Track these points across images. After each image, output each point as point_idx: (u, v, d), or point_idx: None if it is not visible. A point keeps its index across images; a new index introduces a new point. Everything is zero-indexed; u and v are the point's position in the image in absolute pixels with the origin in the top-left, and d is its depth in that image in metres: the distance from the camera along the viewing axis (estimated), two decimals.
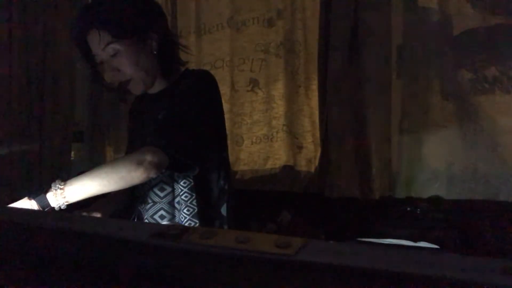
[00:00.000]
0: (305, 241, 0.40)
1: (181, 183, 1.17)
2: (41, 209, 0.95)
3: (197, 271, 0.39)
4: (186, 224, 1.16)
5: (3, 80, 1.87)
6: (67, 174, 2.07)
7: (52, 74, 2.04)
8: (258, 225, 2.04)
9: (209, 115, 1.22)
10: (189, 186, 1.17)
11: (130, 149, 1.32)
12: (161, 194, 1.19)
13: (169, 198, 1.19)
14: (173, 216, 1.19)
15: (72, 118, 2.20)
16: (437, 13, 1.87)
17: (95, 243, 0.46)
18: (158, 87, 1.24)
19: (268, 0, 2.20)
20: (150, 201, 1.20)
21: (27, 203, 0.95)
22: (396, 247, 1.66)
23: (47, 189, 0.96)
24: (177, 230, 0.44)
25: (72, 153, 2.22)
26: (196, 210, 1.17)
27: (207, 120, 1.20)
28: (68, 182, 0.98)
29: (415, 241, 1.70)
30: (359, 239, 1.79)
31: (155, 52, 1.19)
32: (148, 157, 1.01)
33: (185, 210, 1.17)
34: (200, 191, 1.19)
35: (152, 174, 1.04)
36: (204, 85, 1.21)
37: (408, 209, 1.85)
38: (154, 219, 1.19)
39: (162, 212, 1.19)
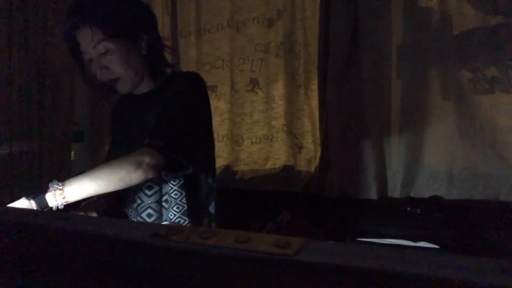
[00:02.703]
0: (305, 241, 0.40)
1: (171, 181, 1.19)
2: (39, 209, 0.95)
3: (197, 271, 0.39)
4: (176, 222, 1.18)
5: (3, 80, 1.86)
6: (67, 174, 2.07)
7: (52, 74, 2.04)
8: (258, 225, 2.04)
9: (201, 116, 1.25)
10: (179, 185, 1.19)
11: (113, 149, 1.34)
12: (149, 193, 1.20)
13: (156, 196, 1.20)
14: (161, 215, 1.20)
15: (72, 118, 2.20)
16: (437, 13, 1.86)
17: (95, 243, 0.46)
18: (144, 88, 1.24)
19: (268, 0, 2.20)
20: (137, 200, 1.21)
21: (25, 203, 0.96)
22: (396, 247, 1.66)
23: (45, 189, 0.96)
24: (177, 230, 0.44)
25: (72, 153, 2.22)
26: (185, 208, 1.19)
27: (199, 121, 1.24)
28: (67, 182, 0.98)
29: (415, 241, 1.70)
30: (359, 239, 1.79)
31: (144, 53, 1.20)
32: (147, 159, 1.03)
33: (174, 208, 1.19)
34: (190, 190, 1.21)
35: (150, 175, 1.06)
36: (195, 87, 1.23)
37: (408, 209, 1.85)
38: (142, 218, 1.21)
39: (149, 210, 1.20)
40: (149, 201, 1.20)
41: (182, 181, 1.20)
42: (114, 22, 1.13)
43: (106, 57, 1.14)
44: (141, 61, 1.20)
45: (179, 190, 1.19)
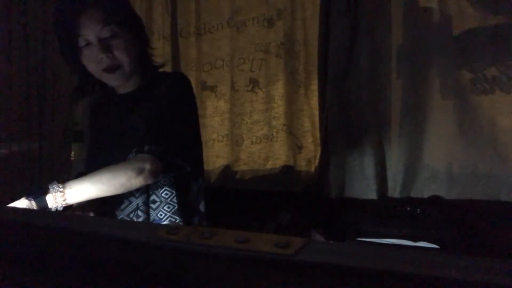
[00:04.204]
0: (305, 241, 0.40)
1: (161, 181, 1.19)
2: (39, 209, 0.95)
3: (197, 271, 0.39)
4: (167, 221, 1.19)
5: (3, 80, 1.86)
6: (67, 174, 2.07)
7: (52, 74, 2.03)
8: (258, 225, 2.04)
9: (191, 116, 1.27)
10: (169, 184, 1.20)
11: (94, 148, 1.32)
12: (136, 194, 1.20)
13: (144, 197, 1.20)
14: (148, 215, 1.20)
15: (72, 118, 2.20)
16: (437, 13, 1.86)
17: (95, 243, 0.46)
18: (129, 86, 1.24)
19: (268, 0, 2.19)
20: (125, 201, 1.20)
21: (25, 203, 0.96)
22: (396, 247, 1.66)
23: (45, 190, 0.97)
24: (177, 230, 0.44)
25: (72, 153, 2.22)
26: (176, 207, 1.20)
27: (191, 122, 1.26)
28: (67, 184, 0.99)
29: (415, 241, 1.69)
30: (359, 239, 1.79)
31: (138, 48, 1.20)
32: (148, 166, 1.05)
33: (165, 208, 1.19)
34: (181, 189, 1.22)
35: (150, 182, 1.09)
36: (184, 88, 1.24)
37: (408, 209, 1.85)
38: (130, 219, 1.20)
39: (137, 211, 1.20)
40: (137, 202, 1.20)
41: (172, 181, 1.21)
42: (122, 8, 1.17)
43: (113, 41, 1.13)
44: (136, 55, 1.20)
45: (170, 189, 1.20)
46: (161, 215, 1.19)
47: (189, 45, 2.30)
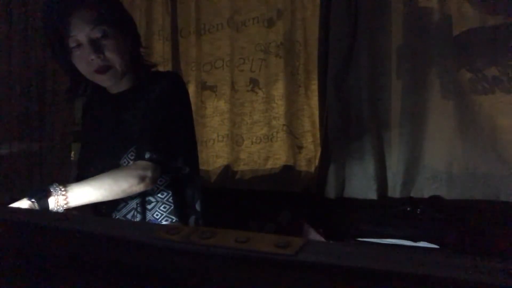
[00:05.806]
0: (305, 241, 0.40)
1: (157, 182, 1.19)
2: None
3: (197, 271, 0.39)
4: (163, 221, 1.19)
5: (3, 80, 1.86)
6: (67, 174, 2.07)
7: (52, 74, 2.03)
8: (258, 225, 2.04)
9: (187, 117, 1.27)
10: (165, 184, 1.20)
11: (87, 148, 1.32)
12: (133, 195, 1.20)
13: (139, 198, 1.20)
14: (144, 216, 1.20)
15: (72, 118, 2.20)
16: (437, 13, 1.86)
17: (96, 243, 0.46)
18: (122, 86, 1.23)
19: (268, 0, 2.19)
20: (121, 202, 1.20)
21: (27, 204, 0.96)
22: (396, 247, 1.66)
23: (47, 192, 0.97)
24: (177, 230, 0.44)
25: (72, 153, 2.22)
26: (172, 207, 1.20)
27: (187, 121, 1.26)
28: (69, 188, 0.99)
29: (415, 241, 1.70)
30: (359, 239, 1.79)
31: (130, 48, 1.20)
32: (149, 174, 1.07)
33: (161, 208, 1.20)
34: (177, 189, 1.23)
35: (150, 187, 1.10)
36: (180, 89, 1.24)
37: (408, 209, 1.85)
38: (126, 219, 1.21)
39: (133, 212, 1.20)
40: (133, 202, 1.20)
41: (168, 181, 1.21)
42: (113, 8, 1.15)
43: (104, 41, 1.11)
44: (128, 55, 1.19)
45: (166, 189, 1.21)
46: (157, 215, 1.20)
47: (189, 45, 2.30)
